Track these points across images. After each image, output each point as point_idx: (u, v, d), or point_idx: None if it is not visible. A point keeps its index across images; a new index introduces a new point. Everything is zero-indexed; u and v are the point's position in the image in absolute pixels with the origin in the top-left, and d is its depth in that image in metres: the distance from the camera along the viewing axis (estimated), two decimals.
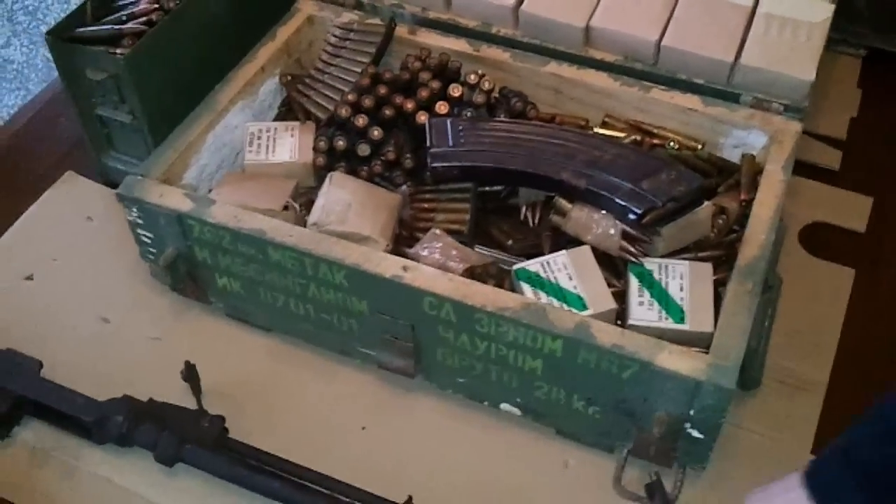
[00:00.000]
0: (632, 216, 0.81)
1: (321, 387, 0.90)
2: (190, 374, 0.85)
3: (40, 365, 0.87)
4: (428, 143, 0.89)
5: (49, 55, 1.05)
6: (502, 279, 0.84)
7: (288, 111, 1.03)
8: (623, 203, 0.81)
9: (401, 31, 1.03)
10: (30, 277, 0.99)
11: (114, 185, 1.04)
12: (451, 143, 0.89)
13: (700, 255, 0.86)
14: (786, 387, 0.89)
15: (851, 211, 1.03)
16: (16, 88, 2.14)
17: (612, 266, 0.86)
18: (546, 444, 0.85)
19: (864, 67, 1.19)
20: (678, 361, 0.73)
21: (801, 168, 0.99)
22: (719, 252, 0.87)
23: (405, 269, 0.80)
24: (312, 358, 0.92)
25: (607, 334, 0.75)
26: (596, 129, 0.97)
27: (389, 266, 0.80)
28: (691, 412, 0.75)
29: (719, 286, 0.84)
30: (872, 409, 0.62)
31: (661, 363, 0.73)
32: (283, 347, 0.93)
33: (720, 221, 0.88)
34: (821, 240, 1.00)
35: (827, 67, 1.06)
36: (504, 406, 0.85)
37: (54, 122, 1.15)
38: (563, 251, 0.84)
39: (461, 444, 0.86)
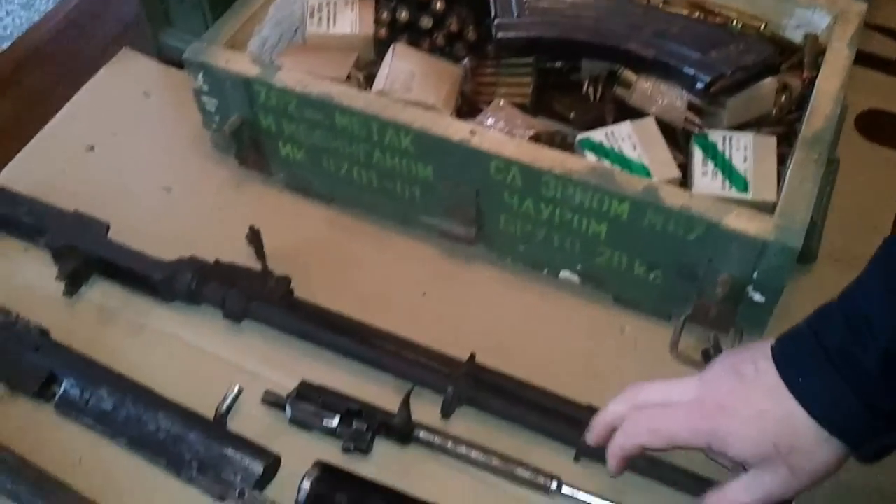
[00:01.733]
0: (699, 85, 0.81)
1: (382, 255, 0.91)
2: (254, 237, 0.87)
3: (108, 227, 0.89)
4: (492, 14, 0.89)
5: None
6: (566, 150, 0.85)
7: None
8: (691, 72, 0.82)
9: None
10: (91, 148, 1.00)
11: (171, 64, 1.06)
12: (515, 14, 0.89)
13: (762, 131, 0.87)
14: (840, 264, 0.90)
15: None
16: None
17: (675, 141, 0.87)
18: (603, 312, 0.87)
19: None
20: (746, 222, 0.74)
21: (859, 57, 0.99)
22: (780, 129, 0.88)
23: (472, 132, 0.80)
24: (373, 228, 0.93)
25: (675, 196, 0.76)
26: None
27: (457, 130, 0.81)
28: (755, 275, 0.76)
29: (778, 164, 0.85)
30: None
31: (728, 224, 0.74)
32: (343, 218, 0.94)
33: (783, 99, 0.88)
34: (877, 126, 1.01)
35: None
36: (563, 274, 0.87)
37: (109, 0, 1.16)
38: (628, 121, 0.84)
39: (520, 310, 0.88)
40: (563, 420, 0.78)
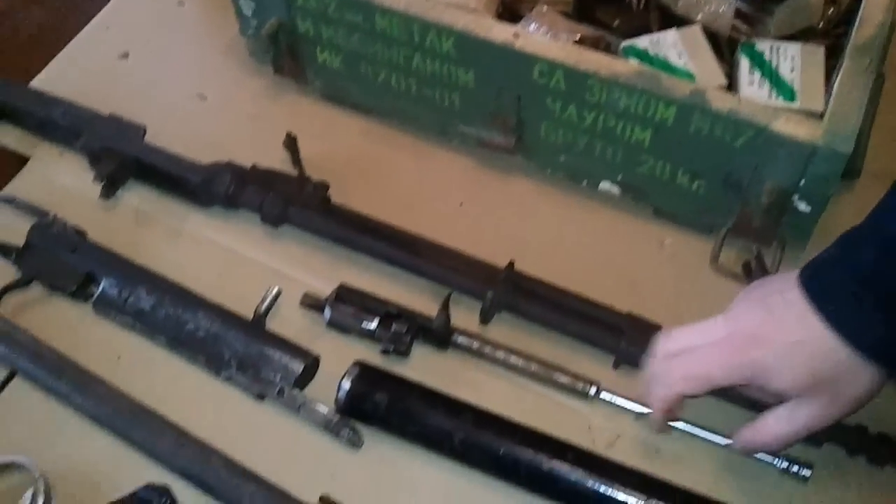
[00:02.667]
0: None
1: (418, 166, 0.91)
2: (290, 143, 0.86)
3: (144, 130, 0.88)
4: None
5: None
6: None
7: None
8: None
9: None
10: (125, 56, 0.99)
11: None
12: None
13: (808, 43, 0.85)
14: (883, 182, 0.87)
15: None
16: None
17: (720, 51, 0.85)
18: (643, 224, 0.86)
19: None
20: (795, 127, 0.73)
21: None
22: (827, 42, 0.86)
23: (516, 35, 0.79)
24: (410, 139, 0.92)
25: (723, 100, 0.74)
26: None
27: (500, 32, 0.79)
28: (801, 183, 0.75)
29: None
30: None
31: (777, 128, 0.73)
32: (380, 129, 0.93)
33: (830, 11, 0.87)
34: None
35: None
36: (603, 185, 0.86)
37: None
38: (673, 29, 0.83)
39: (558, 223, 0.87)
40: (603, 327, 0.78)
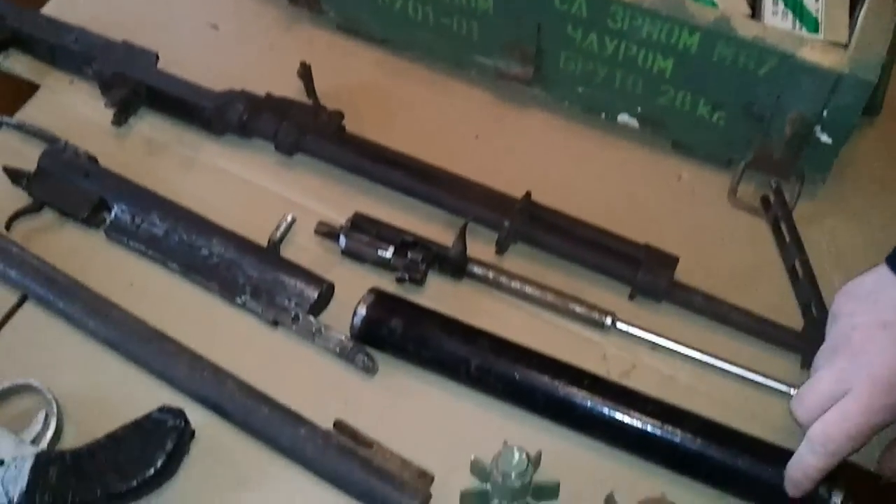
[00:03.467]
0: None
1: (434, 98, 0.90)
2: (305, 73, 0.85)
3: (157, 57, 0.87)
4: None
5: None
6: None
7: None
8: None
9: None
10: None
11: None
12: None
13: None
14: None
15: None
16: None
17: None
18: (661, 158, 0.85)
19: None
20: (820, 55, 0.71)
21: None
22: None
23: None
24: (425, 71, 0.91)
25: (748, 27, 0.73)
26: None
27: None
28: (825, 113, 0.74)
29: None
30: None
31: (802, 56, 0.71)
32: (395, 60, 0.92)
33: None
34: None
35: None
36: (622, 117, 0.85)
37: None
38: None
39: (575, 156, 0.86)
40: (619, 258, 0.77)
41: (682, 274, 0.77)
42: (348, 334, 0.74)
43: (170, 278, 0.79)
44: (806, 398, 0.63)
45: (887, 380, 0.59)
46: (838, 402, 0.60)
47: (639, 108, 0.83)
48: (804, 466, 0.63)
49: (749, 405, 0.72)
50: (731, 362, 0.73)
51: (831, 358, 0.62)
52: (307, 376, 0.74)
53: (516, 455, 0.61)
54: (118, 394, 0.73)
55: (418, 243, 0.77)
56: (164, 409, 0.69)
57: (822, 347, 0.64)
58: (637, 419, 0.68)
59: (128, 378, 0.74)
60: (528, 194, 0.79)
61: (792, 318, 0.76)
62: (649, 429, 0.67)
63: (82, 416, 0.72)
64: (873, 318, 0.60)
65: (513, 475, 0.61)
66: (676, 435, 0.67)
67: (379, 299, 0.73)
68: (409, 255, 0.76)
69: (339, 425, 0.70)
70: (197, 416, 0.71)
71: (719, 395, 0.73)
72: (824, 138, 0.76)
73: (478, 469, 0.67)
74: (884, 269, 0.61)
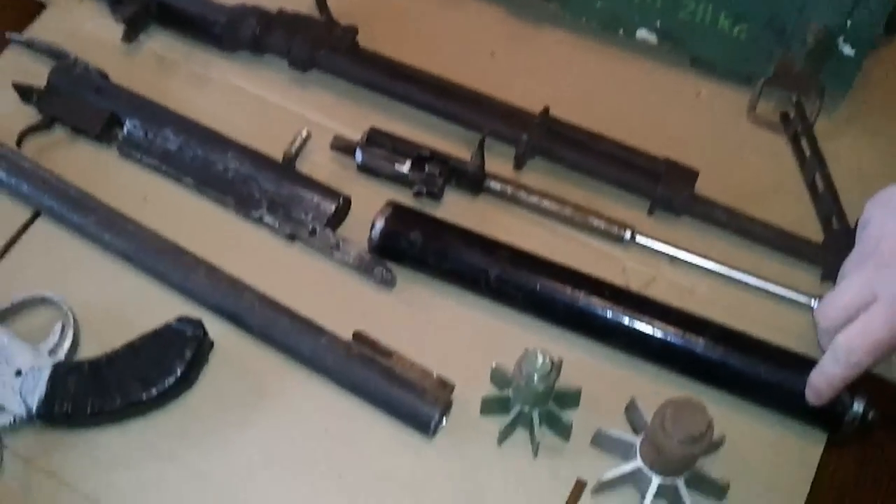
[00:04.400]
0: None
1: (448, 15, 0.88)
2: None
3: None
4: None
5: None
6: None
7: None
8: None
9: None
10: None
11: None
12: None
13: None
14: None
15: None
16: None
17: None
18: (679, 75, 0.84)
19: None
20: None
21: None
22: None
23: None
24: None
25: None
26: None
27: None
28: (848, 23, 0.73)
29: None
30: None
31: None
32: None
33: None
34: None
35: None
36: (640, 33, 0.83)
37: None
38: None
39: (594, 73, 0.85)
40: (639, 172, 0.76)
41: (702, 190, 0.76)
42: (366, 248, 0.73)
43: (184, 194, 0.78)
44: (830, 306, 0.62)
45: None
46: (863, 314, 0.60)
47: (658, 23, 0.82)
48: (827, 376, 0.62)
49: (769, 317, 0.72)
50: (751, 274, 0.73)
51: (859, 266, 0.62)
52: (325, 290, 0.74)
53: (540, 357, 0.61)
54: (135, 307, 0.72)
55: (435, 157, 0.76)
56: (182, 320, 0.68)
57: (850, 255, 0.64)
58: (658, 328, 0.67)
59: (145, 291, 0.73)
60: (545, 109, 0.78)
61: (812, 232, 0.75)
62: (670, 337, 0.67)
63: (99, 328, 0.71)
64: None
65: (536, 377, 0.61)
66: (698, 343, 0.67)
67: (397, 211, 0.73)
68: (427, 168, 0.75)
69: (359, 336, 0.70)
70: (215, 328, 0.70)
71: (739, 307, 0.72)
72: (847, 50, 0.75)
73: (498, 376, 0.67)
74: None
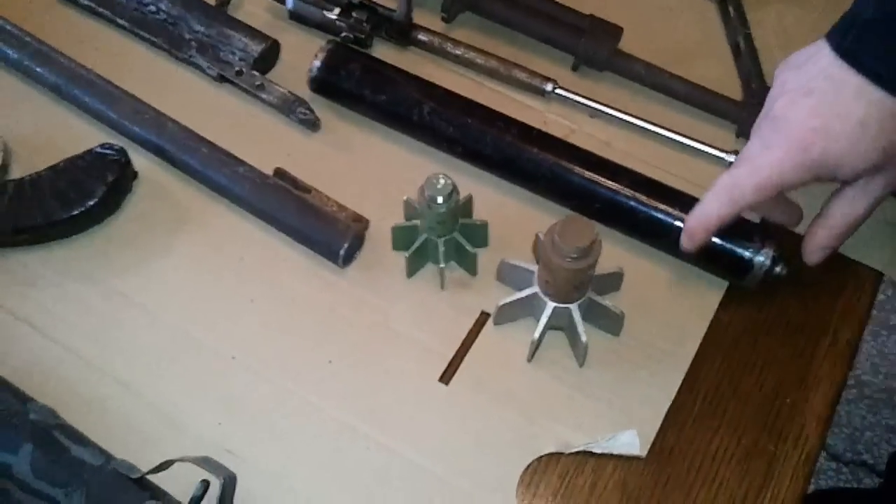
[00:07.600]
0: None
1: None
2: None
3: None
4: None
5: None
6: None
7: None
8: None
9: None
10: None
11: None
12: None
13: None
14: None
15: None
16: None
17: None
18: None
19: None
20: None
21: None
22: None
23: None
24: None
25: None
26: None
27: None
28: None
29: None
30: None
31: None
32: None
33: None
34: None
35: None
36: None
37: None
38: None
39: None
40: (564, 27, 0.77)
41: (626, 47, 0.77)
42: (290, 91, 0.75)
43: (119, 36, 0.79)
44: (735, 164, 0.64)
45: (801, 140, 0.58)
46: (752, 157, 0.61)
47: None
48: (702, 213, 0.63)
49: (685, 171, 0.73)
50: (667, 129, 0.74)
51: (759, 124, 0.63)
52: (250, 130, 0.75)
53: (441, 180, 0.63)
54: (64, 137, 0.74)
55: (364, 5, 0.77)
56: (105, 146, 0.70)
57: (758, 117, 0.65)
58: (577, 169, 0.69)
59: (74, 123, 0.75)
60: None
61: (733, 93, 0.76)
62: (587, 179, 0.68)
63: (29, 156, 0.73)
64: (799, 84, 0.60)
65: (439, 199, 0.63)
66: (610, 186, 0.68)
67: (338, 48, 0.74)
68: (355, 14, 0.77)
69: (279, 172, 0.72)
70: (141, 160, 0.72)
71: (655, 160, 0.74)
72: None
73: (409, 208, 0.68)
74: (821, 42, 0.61)
